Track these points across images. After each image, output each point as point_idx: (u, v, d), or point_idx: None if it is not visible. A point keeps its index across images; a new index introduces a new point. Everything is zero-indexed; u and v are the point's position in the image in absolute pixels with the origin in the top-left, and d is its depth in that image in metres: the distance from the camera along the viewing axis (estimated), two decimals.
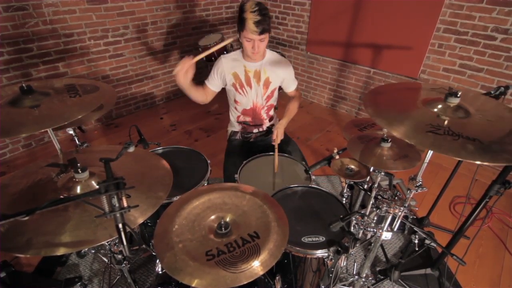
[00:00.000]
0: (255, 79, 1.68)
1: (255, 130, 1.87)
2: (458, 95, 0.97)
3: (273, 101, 1.81)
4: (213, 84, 1.69)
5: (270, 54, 1.70)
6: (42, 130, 0.96)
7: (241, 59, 1.66)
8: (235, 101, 1.77)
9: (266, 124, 1.89)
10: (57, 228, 0.83)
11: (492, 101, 1.17)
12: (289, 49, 3.77)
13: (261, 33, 1.46)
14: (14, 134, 0.95)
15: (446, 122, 0.92)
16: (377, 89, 1.21)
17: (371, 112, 1.00)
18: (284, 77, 1.74)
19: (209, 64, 3.31)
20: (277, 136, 1.61)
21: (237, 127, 1.88)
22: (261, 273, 0.83)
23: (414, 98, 1.09)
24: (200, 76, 3.92)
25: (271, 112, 1.87)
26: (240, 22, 1.48)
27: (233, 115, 1.86)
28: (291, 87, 1.80)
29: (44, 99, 1.09)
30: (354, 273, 1.59)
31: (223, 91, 1.78)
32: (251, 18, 1.43)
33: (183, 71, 1.38)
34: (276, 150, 1.59)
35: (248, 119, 1.83)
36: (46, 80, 1.26)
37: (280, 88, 1.82)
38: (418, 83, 1.39)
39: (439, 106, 0.99)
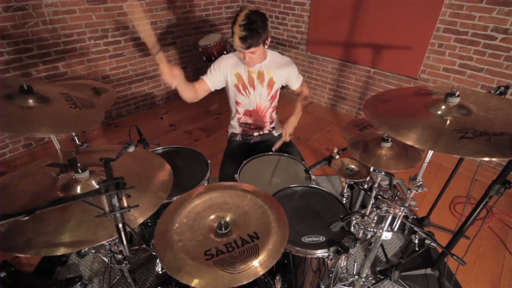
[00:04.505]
0: (258, 80, 1.66)
1: (256, 133, 1.87)
2: (457, 95, 0.96)
3: (276, 102, 1.81)
4: (212, 80, 1.62)
5: (271, 54, 1.67)
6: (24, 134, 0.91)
7: (243, 60, 1.63)
8: (237, 103, 1.75)
9: (268, 127, 1.88)
10: (57, 228, 0.83)
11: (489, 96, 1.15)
12: (289, 49, 3.77)
13: (247, 48, 1.44)
14: None
15: (450, 121, 0.91)
16: (377, 100, 1.15)
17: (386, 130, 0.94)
18: (288, 76, 1.72)
19: (209, 64, 3.31)
20: (286, 134, 1.60)
21: (237, 129, 1.87)
22: (260, 273, 0.83)
23: (418, 108, 1.03)
24: (201, 74, 3.93)
25: (274, 114, 1.87)
26: (231, 32, 1.46)
27: (234, 118, 1.84)
28: (296, 84, 1.78)
29: (41, 103, 1.02)
30: (354, 273, 1.59)
31: (223, 90, 1.77)
32: (237, 33, 1.40)
33: (168, 73, 1.29)
34: (280, 141, 1.63)
35: (250, 120, 1.82)
36: (53, 85, 1.22)
37: (282, 87, 1.81)
38: (415, 87, 1.36)
39: (442, 108, 0.98)
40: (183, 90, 1.46)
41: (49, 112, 1.01)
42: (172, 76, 1.30)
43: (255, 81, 1.67)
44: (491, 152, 0.78)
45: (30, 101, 1.01)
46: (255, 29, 1.41)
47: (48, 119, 0.99)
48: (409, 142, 0.87)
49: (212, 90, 1.66)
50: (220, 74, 1.63)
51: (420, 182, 1.25)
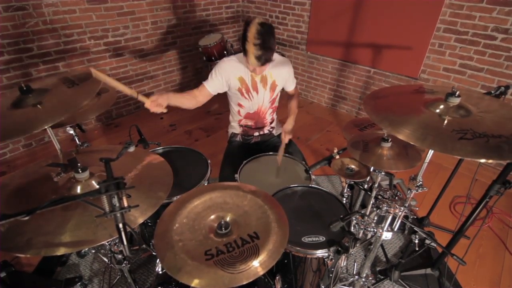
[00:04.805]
0: (261, 84, 1.66)
1: (256, 133, 1.86)
2: (457, 95, 0.97)
3: (276, 103, 1.81)
4: (213, 86, 1.61)
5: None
6: (53, 124, 0.97)
7: (246, 63, 1.59)
8: (239, 105, 1.75)
9: (268, 127, 1.88)
10: (57, 228, 0.83)
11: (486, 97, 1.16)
12: (289, 49, 3.77)
13: (263, 65, 1.44)
14: (24, 134, 0.97)
15: (446, 120, 0.92)
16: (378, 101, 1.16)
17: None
18: (287, 78, 1.73)
19: (210, 64, 3.31)
20: (286, 136, 1.61)
21: (238, 129, 1.86)
22: (260, 274, 0.83)
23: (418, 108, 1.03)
24: (201, 76, 3.94)
25: (274, 115, 1.87)
26: (243, 48, 1.44)
27: (235, 119, 1.83)
28: (291, 86, 1.79)
29: (45, 95, 1.10)
30: (354, 273, 1.59)
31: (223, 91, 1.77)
32: (251, 52, 1.39)
33: (154, 105, 1.37)
34: (282, 147, 1.59)
35: (250, 123, 1.81)
36: (41, 79, 1.29)
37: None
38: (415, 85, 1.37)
39: (441, 107, 0.99)
40: (179, 104, 1.53)
41: (51, 101, 1.05)
42: (158, 106, 1.38)
43: (258, 85, 1.66)
44: (490, 154, 0.79)
45: (33, 99, 1.03)
46: (270, 47, 1.41)
47: (49, 108, 1.02)
48: (401, 137, 0.88)
49: (214, 94, 1.66)
50: (222, 79, 1.61)
51: (420, 182, 1.25)
